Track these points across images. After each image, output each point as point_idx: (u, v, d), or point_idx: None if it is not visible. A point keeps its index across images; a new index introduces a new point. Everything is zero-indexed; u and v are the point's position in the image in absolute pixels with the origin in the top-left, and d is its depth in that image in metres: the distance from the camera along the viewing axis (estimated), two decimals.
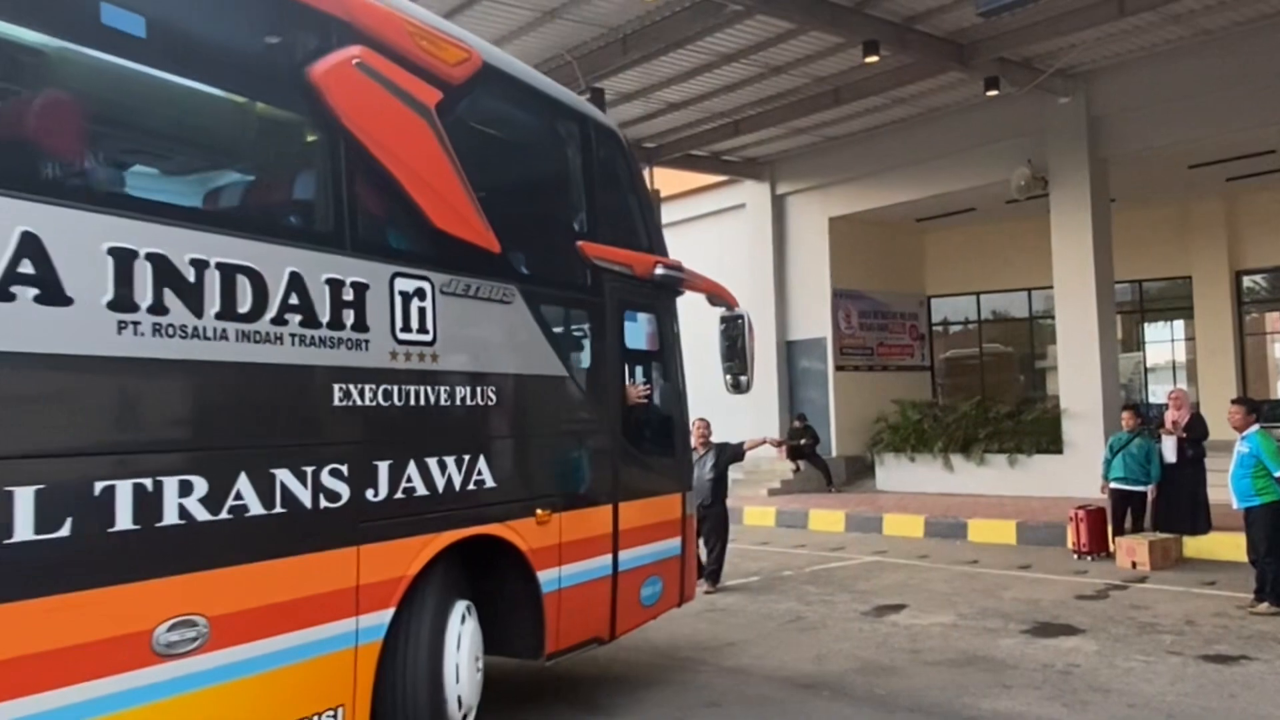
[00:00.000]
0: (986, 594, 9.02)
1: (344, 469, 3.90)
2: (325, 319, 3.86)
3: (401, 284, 4.23)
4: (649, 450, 6.22)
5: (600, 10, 11.73)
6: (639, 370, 6.32)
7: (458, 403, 4.57)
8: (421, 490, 4.29)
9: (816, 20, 11.64)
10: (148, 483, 3.24)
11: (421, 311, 4.32)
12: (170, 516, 3.29)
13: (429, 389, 4.38)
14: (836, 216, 18.02)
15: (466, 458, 4.55)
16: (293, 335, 3.73)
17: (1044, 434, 15.34)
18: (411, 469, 4.24)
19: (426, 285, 4.36)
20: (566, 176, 5.84)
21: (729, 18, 11.70)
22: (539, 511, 4.99)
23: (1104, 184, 14.77)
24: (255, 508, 3.57)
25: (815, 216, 18.27)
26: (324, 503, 3.82)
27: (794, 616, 8.21)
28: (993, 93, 13.68)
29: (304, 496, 3.75)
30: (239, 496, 3.52)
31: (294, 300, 3.73)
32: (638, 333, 6.12)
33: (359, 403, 3.99)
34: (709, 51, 13.08)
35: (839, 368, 18.11)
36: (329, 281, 3.89)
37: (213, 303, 3.46)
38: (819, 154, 17.75)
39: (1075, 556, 10.81)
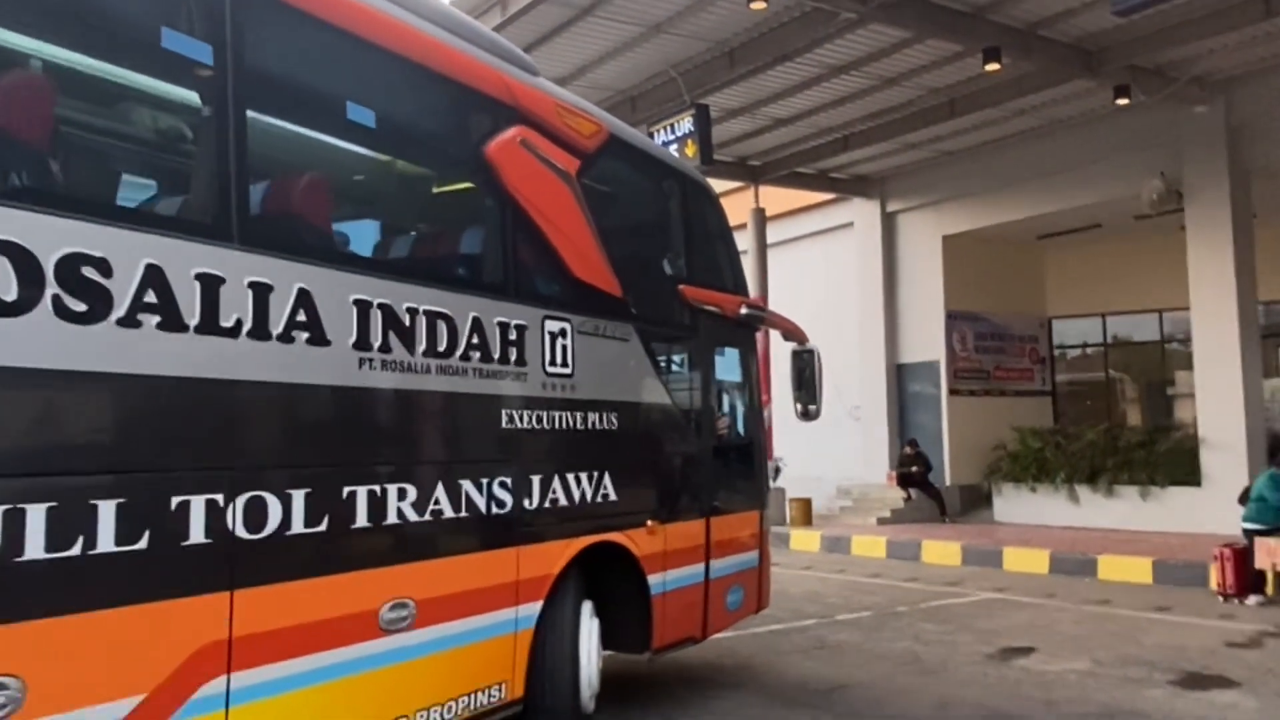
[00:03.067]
0: (1124, 638, 8.31)
1: (509, 481, 4.59)
2: (497, 355, 4.56)
3: (550, 325, 4.92)
4: (735, 471, 7.00)
5: (706, 23, 11.46)
6: (727, 399, 6.97)
7: (589, 427, 5.18)
8: (563, 501, 4.95)
9: (934, 28, 11.14)
10: (376, 489, 3.89)
11: (564, 349, 4.99)
12: (391, 516, 3.96)
13: (569, 414, 5.03)
14: (951, 234, 17.34)
15: (595, 474, 5.19)
16: (474, 369, 4.43)
17: (1179, 465, 14.34)
18: (556, 482, 4.91)
19: (568, 326, 5.04)
20: (669, 227, 6.61)
21: (841, 27, 11.30)
22: (649, 523, 5.62)
23: (1245, 198, 13.79)
24: (448, 512, 4.24)
25: (928, 234, 17.62)
26: (494, 509, 4.52)
27: (911, 657, 7.67)
28: (1123, 101, 12.91)
29: (481, 503, 4.44)
30: (437, 502, 4.19)
31: (475, 340, 4.42)
32: (726, 365, 6.87)
33: (520, 425, 4.70)
34: (818, 64, 12.68)
35: (953, 392, 17.38)
36: (499, 324, 4.59)
37: (421, 341, 4.13)
38: (932, 169, 17.12)
39: (1221, 599, 9.95)
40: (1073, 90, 13.50)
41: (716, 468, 6.50)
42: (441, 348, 4.23)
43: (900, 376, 18.14)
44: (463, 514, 4.31)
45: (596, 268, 5.32)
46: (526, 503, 4.70)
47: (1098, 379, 19.57)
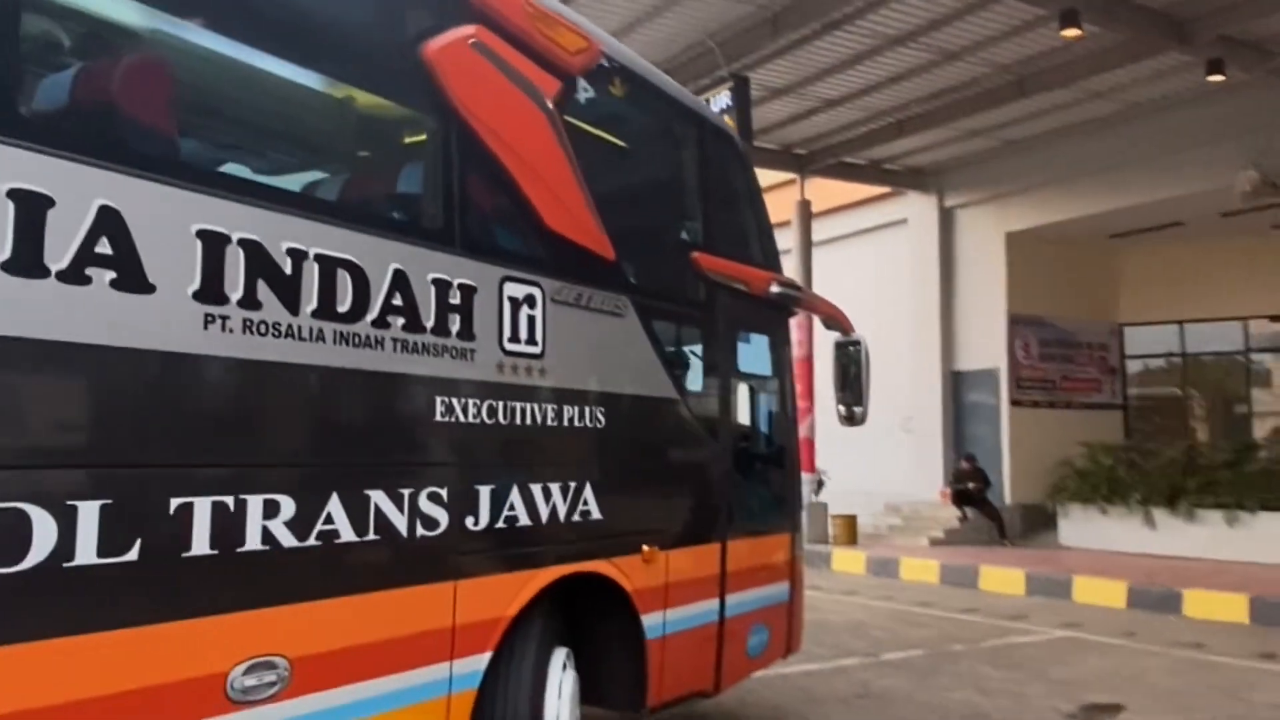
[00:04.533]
0: (1228, 694, 6.96)
1: (444, 493, 3.45)
2: (430, 323, 3.42)
3: (511, 289, 3.79)
4: (760, 484, 5.92)
5: None
6: (751, 396, 5.86)
7: (565, 424, 4.06)
8: (524, 520, 3.82)
9: None
10: (229, 501, 2.76)
11: (531, 320, 3.87)
12: (253, 541, 2.81)
13: (536, 406, 3.92)
14: (1015, 231, 15.98)
15: (573, 485, 4.09)
16: (395, 340, 3.29)
17: (1271, 488, 12.82)
18: (515, 496, 3.79)
19: (537, 292, 3.91)
20: (682, 182, 5.50)
21: None
22: (645, 548, 4.50)
23: None
24: (347, 533, 3.09)
25: (989, 232, 16.26)
26: (421, 530, 3.36)
27: (973, 712, 6.40)
28: (1216, 78, 11.51)
29: (400, 523, 3.29)
30: (328, 520, 3.03)
31: (397, 301, 3.30)
32: (750, 355, 5.72)
33: (462, 419, 3.55)
34: (872, 34, 11.44)
35: (1015, 403, 16.01)
36: (435, 282, 3.46)
37: (309, 298, 3.00)
38: (995, 160, 15.75)
39: None
40: (1157, 68, 12.12)
41: (736, 480, 5.37)
42: (344, 308, 3.10)
43: (957, 385, 16.81)
44: (369, 537, 3.15)
45: (580, 221, 4.19)
46: (470, 522, 3.56)
47: (1173, 392, 17.99)
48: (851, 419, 6.37)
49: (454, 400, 3.49)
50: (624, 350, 4.47)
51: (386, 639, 3.21)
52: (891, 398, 15.92)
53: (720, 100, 11.23)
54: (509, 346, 3.75)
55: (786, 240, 15.58)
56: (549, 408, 3.95)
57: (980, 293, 16.41)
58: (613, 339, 4.39)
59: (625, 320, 4.43)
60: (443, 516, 3.42)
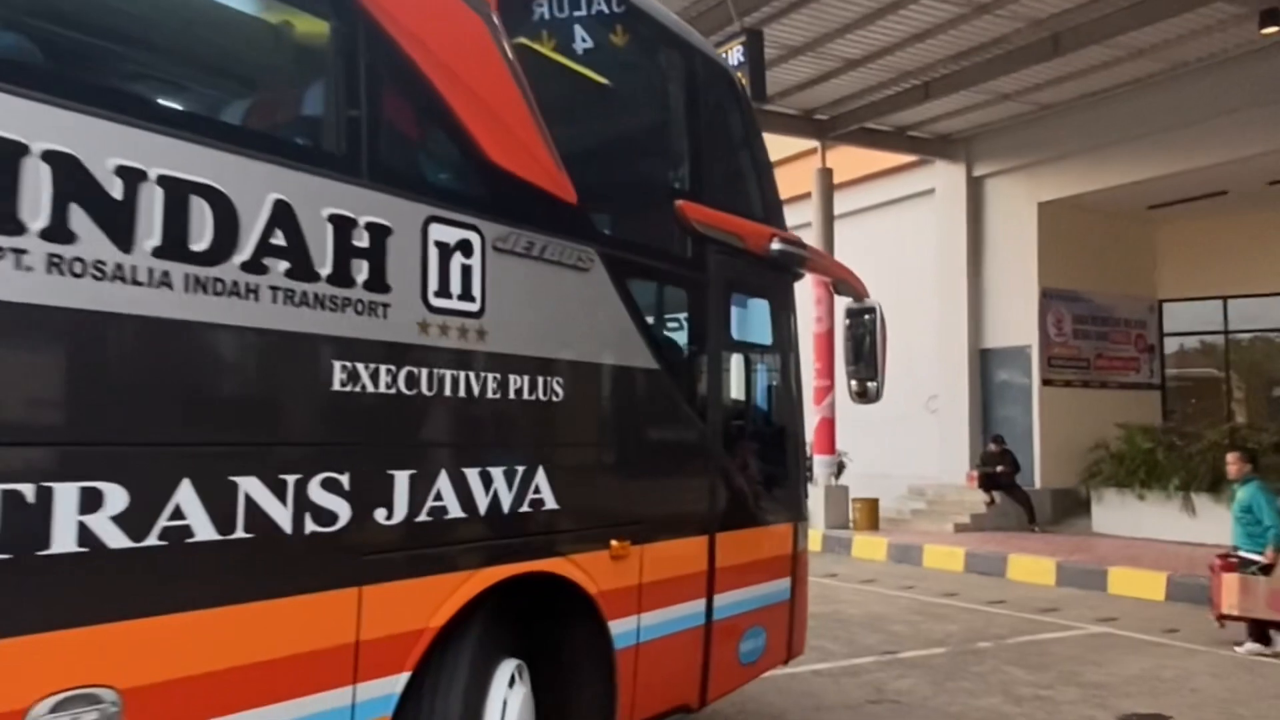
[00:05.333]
0: None
1: (344, 480, 2.81)
2: (326, 269, 2.78)
3: (439, 232, 3.16)
4: (756, 469, 5.15)
5: None
6: (748, 368, 5.12)
7: (511, 396, 3.41)
8: (455, 512, 3.19)
9: None
10: (26, 490, 2.14)
11: (466, 271, 3.24)
12: (64, 541, 2.19)
13: (472, 375, 3.27)
14: (1047, 202, 15.14)
15: (520, 470, 3.45)
16: (275, 289, 2.65)
17: None
18: (443, 483, 3.16)
19: (474, 238, 3.28)
20: (665, 119, 4.78)
21: None
22: (614, 543, 3.88)
23: None
24: (203, 531, 2.46)
25: (1021, 202, 15.42)
26: (312, 526, 2.72)
27: None
28: (1270, 31, 10.61)
29: (281, 517, 2.65)
30: (178, 515, 2.41)
31: (278, 240, 2.66)
32: (747, 322, 5.10)
33: (370, 388, 2.90)
34: None
35: (1046, 382, 15.21)
36: (333, 219, 2.81)
37: (151, 231, 2.37)
38: (1027, 125, 14.90)
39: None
40: (1204, 21, 11.26)
41: (727, 464, 4.74)
42: (200, 246, 2.47)
43: (984, 364, 16.02)
44: (236, 535, 2.52)
45: (532, 156, 3.54)
46: (380, 515, 2.93)
47: (1215, 371, 17.08)
48: (865, 395, 5.73)
49: (359, 366, 2.86)
50: (590, 311, 3.84)
51: (261, 661, 2.59)
52: (916, 377, 15.33)
53: (732, 57, 10.48)
54: (436, 302, 3.12)
55: (806, 213, 14.88)
56: (489, 377, 3.31)
57: (1011, 266, 15.59)
58: (576, 297, 3.76)
59: (591, 276, 3.79)
60: (342, 509, 2.80)
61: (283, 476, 2.64)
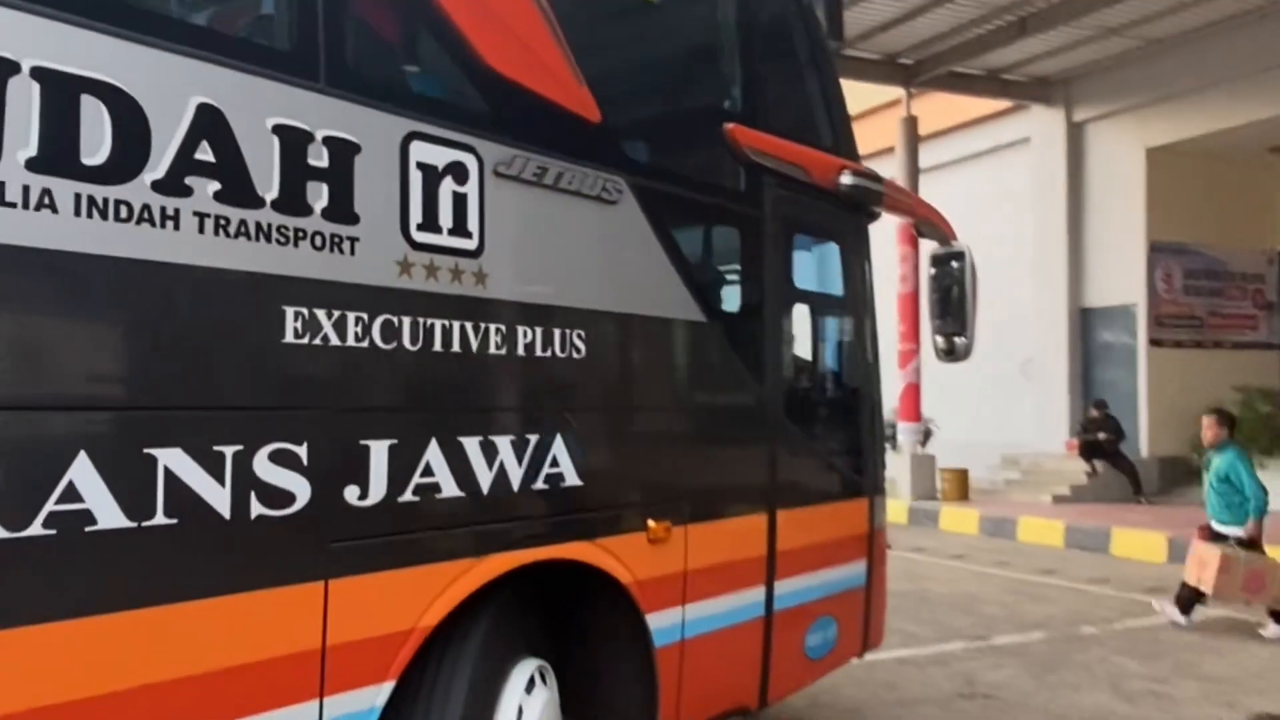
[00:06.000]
0: None
1: (302, 452, 2.31)
2: (271, 194, 2.26)
3: (423, 151, 2.61)
4: (824, 436, 4.57)
5: None
6: (813, 322, 4.50)
7: (520, 351, 2.87)
8: (450, 489, 2.66)
9: None
10: None
11: (459, 201, 2.69)
12: None
13: (470, 326, 2.72)
14: (1156, 147, 13.96)
15: (532, 440, 2.91)
16: (202, 216, 2.12)
17: None
18: (433, 455, 2.62)
19: (470, 160, 2.73)
20: (713, 29, 4.10)
21: None
22: (652, 523, 3.32)
23: None
24: (109, 517, 1.97)
25: (1127, 148, 14.27)
26: (261, 508, 2.24)
27: None
28: None
29: (216, 498, 2.15)
30: (73, 495, 1.92)
31: (206, 155, 2.14)
32: (813, 268, 4.52)
33: (335, 340, 2.39)
34: None
35: (1154, 342, 14.14)
36: (281, 131, 2.28)
37: (23, 142, 1.86)
38: (1134, 64, 13.72)
39: None
40: None
41: (790, 431, 4.14)
42: (95, 160, 1.97)
43: (1085, 323, 14.97)
44: (156, 521, 2.03)
45: (545, 64, 3.00)
46: (352, 494, 2.42)
47: None
48: (953, 352, 5.05)
49: (319, 313, 2.34)
50: (620, 252, 3.28)
51: (197, 675, 2.11)
52: (1011, 338, 14.43)
53: None
54: (420, 237, 2.59)
55: (890, 167, 13.96)
56: (492, 329, 2.78)
57: (1115, 219, 14.48)
58: (601, 235, 3.20)
59: (621, 211, 3.22)
60: (300, 486, 2.30)
61: (218, 448, 2.14)
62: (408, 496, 2.53)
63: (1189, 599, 7.21)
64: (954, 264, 4.97)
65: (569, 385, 3.06)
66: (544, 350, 2.92)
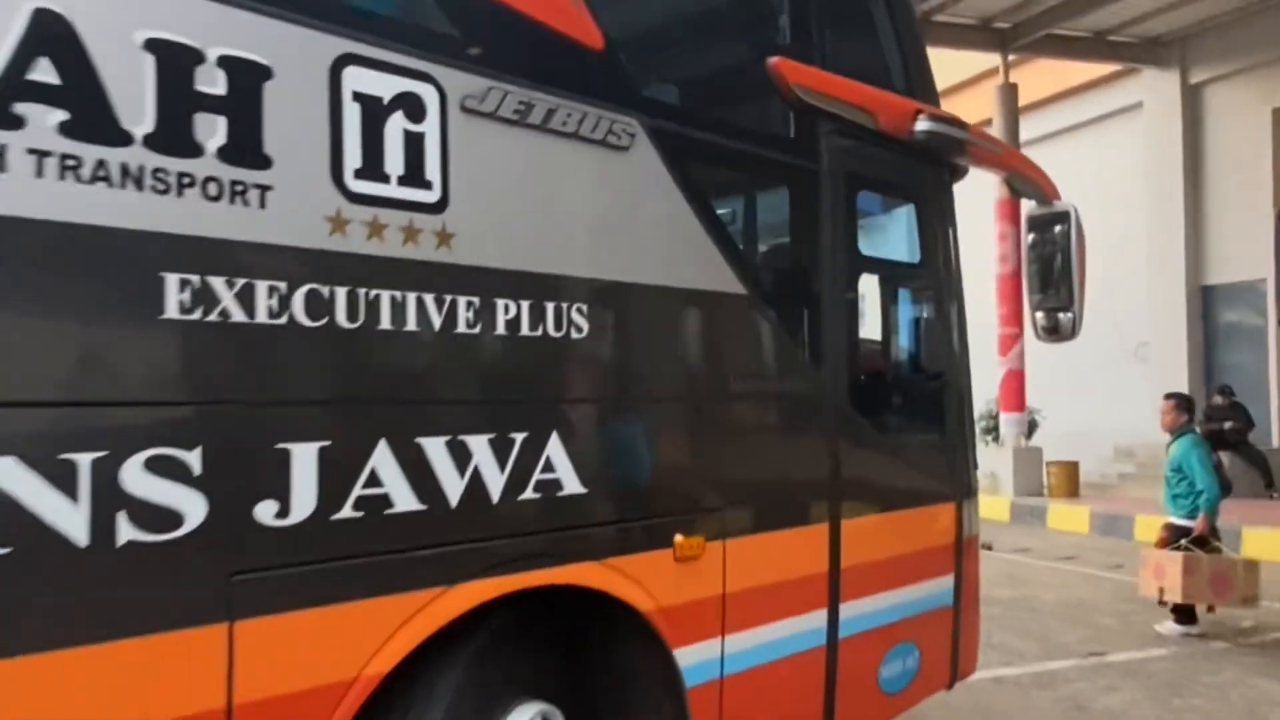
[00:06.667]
0: None
1: (192, 459, 1.81)
2: (143, 128, 1.76)
3: (361, 79, 2.08)
4: (901, 429, 3.89)
5: None
6: (885, 296, 3.85)
7: (498, 329, 2.32)
8: (406, 501, 2.13)
9: None
10: None
11: (414, 143, 2.16)
12: None
13: (430, 299, 2.19)
14: None
15: (517, 438, 2.36)
16: (39, 154, 1.65)
17: None
18: (382, 459, 2.09)
19: (427, 92, 2.20)
20: None
21: None
22: (680, 538, 2.75)
23: None
24: None
25: (1249, 110, 13.10)
26: (134, 532, 1.74)
27: None
28: None
29: (67, 520, 1.66)
30: None
31: (45, 76, 1.66)
32: (883, 232, 3.87)
33: (239, 317, 1.88)
34: None
35: None
36: (155, 48, 1.78)
37: None
38: (1256, 19, 12.54)
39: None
40: None
41: (856, 424, 3.50)
42: None
43: (1206, 302, 13.84)
44: None
45: None
46: (265, 512, 1.92)
47: None
48: (1056, 331, 4.39)
49: (214, 282, 1.85)
50: (632, 210, 2.72)
51: None
52: (1123, 320, 13.46)
53: None
54: (359, 187, 2.08)
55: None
56: (461, 302, 2.25)
57: (1238, 187, 13.31)
58: (608, 189, 2.65)
59: (633, 159, 2.67)
60: (191, 504, 1.81)
61: (68, 456, 1.66)
62: (345, 513, 2.03)
63: (1188, 607, 6.53)
64: (1056, 227, 4.29)
65: (567, 371, 2.53)
66: (533, 329, 2.39)
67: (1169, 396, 7.23)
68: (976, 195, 13.05)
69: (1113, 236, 12.68)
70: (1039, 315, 4.44)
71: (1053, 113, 15.22)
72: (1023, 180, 4.36)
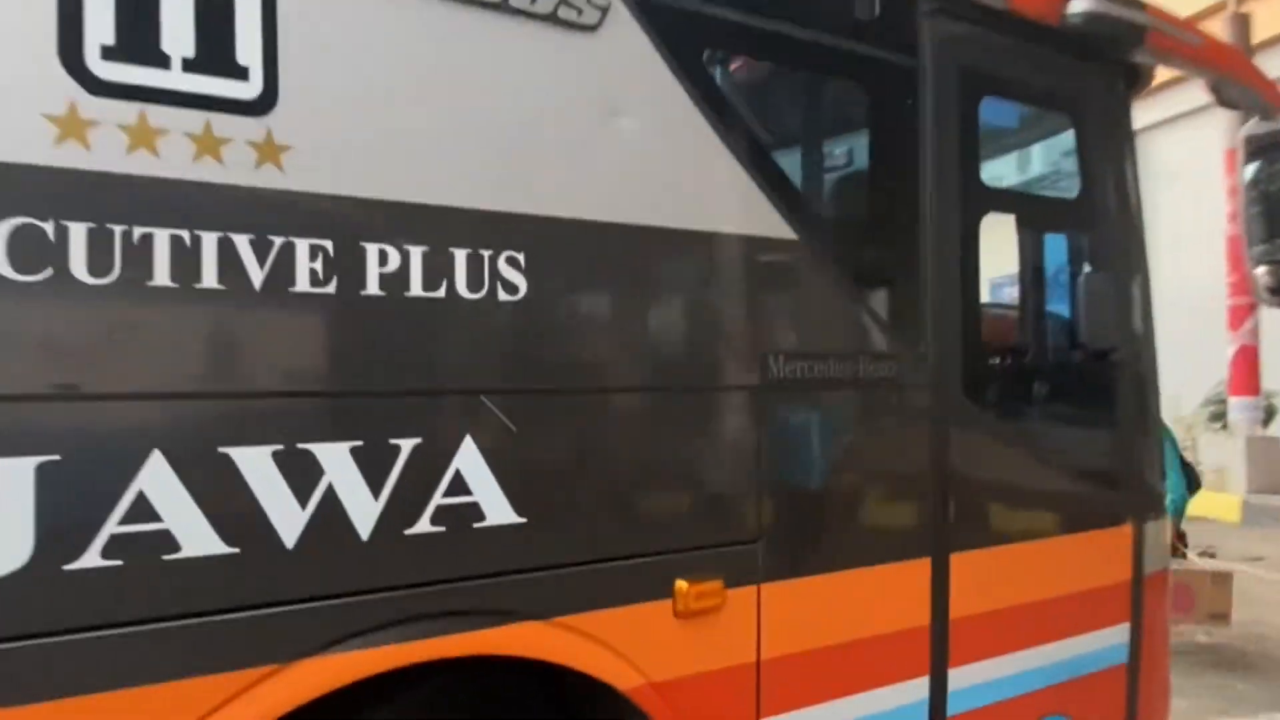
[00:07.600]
0: None
1: None
2: None
3: None
4: (1045, 427, 2.88)
5: None
6: (1024, 244, 2.80)
7: (371, 289, 1.60)
8: (203, 542, 1.46)
9: None
10: None
11: (208, 6, 1.47)
12: None
13: (241, 242, 1.48)
14: None
15: (403, 447, 1.63)
16: None
17: None
18: (155, 478, 1.41)
19: None
20: None
21: None
22: (682, 584, 1.93)
23: None
24: None
25: None
26: None
27: None
28: None
29: None
30: None
31: None
32: (1023, 157, 2.90)
33: None
34: None
35: None
36: None
37: None
38: None
39: None
40: None
41: (975, 420, 2.55)
42: None
43: None
44: None
45: None
46: None
47: None
48: None
49: None
50: (607, 118, 1.91)
51: None
52: None
53: None
54: (108, 71, 1.41)
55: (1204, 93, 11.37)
56: (301, 248, 1.54)
57: None
58: (565, 87, 1.86)
59: (608, 44, 1.88)
60: None
61: None
62: (91, 560, 1.36)
63: None
64: None
65: (492, 351, 1.76)
66: (429, 288, 1.65)
67: None
68: (1202, 137, 11.34)
69: None
70: (1261, 270, 3.34)
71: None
72: (1234, 85, 3.21)
